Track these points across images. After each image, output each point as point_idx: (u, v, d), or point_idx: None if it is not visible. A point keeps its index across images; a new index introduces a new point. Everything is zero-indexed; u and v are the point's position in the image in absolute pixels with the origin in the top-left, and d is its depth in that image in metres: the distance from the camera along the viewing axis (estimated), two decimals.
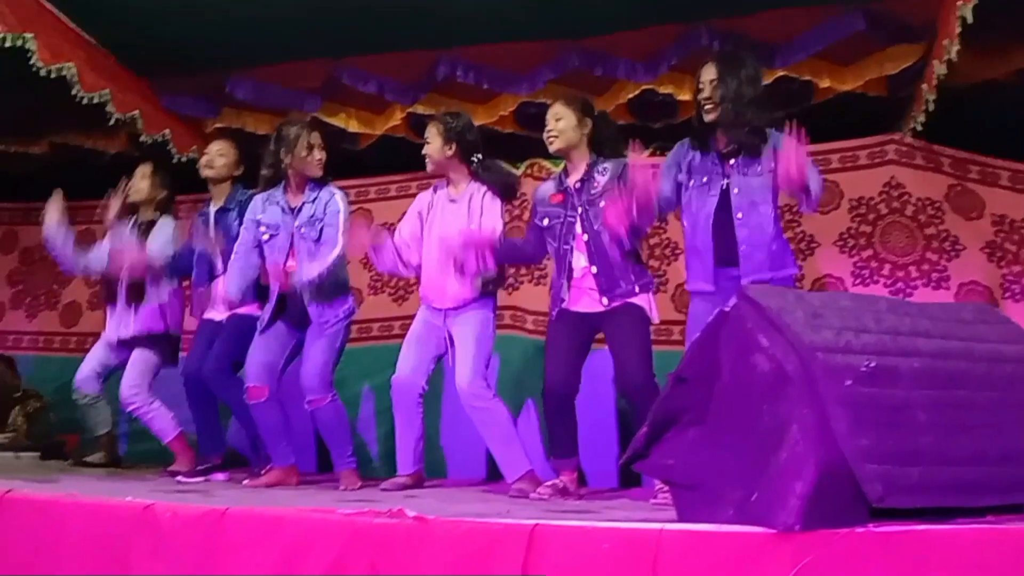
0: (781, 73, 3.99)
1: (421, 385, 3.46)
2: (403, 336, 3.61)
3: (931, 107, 3.59)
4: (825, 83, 4.03)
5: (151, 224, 4.18)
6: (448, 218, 3.47)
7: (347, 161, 4.06)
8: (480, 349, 3.36)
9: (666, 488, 3.05)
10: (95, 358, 4.19)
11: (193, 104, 4.79)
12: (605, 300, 3.15)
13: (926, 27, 3.67)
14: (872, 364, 1.87)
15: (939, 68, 3.35)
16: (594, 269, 3.16)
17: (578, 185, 3.25)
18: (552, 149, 3.29)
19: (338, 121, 4.66)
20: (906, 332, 2.01)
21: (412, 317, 3.64)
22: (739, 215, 2.99)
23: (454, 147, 3.47)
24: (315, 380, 3.48)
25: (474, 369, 3.32)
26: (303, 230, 3.51)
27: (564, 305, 3.23)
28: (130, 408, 4.05)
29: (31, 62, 3.69)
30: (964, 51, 3.22)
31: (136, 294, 4.12)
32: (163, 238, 4.11)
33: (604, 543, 1.85)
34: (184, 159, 4.61)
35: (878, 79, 4.00)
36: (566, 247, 3.22)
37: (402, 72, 4.44)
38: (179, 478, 3.66)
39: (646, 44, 4.12)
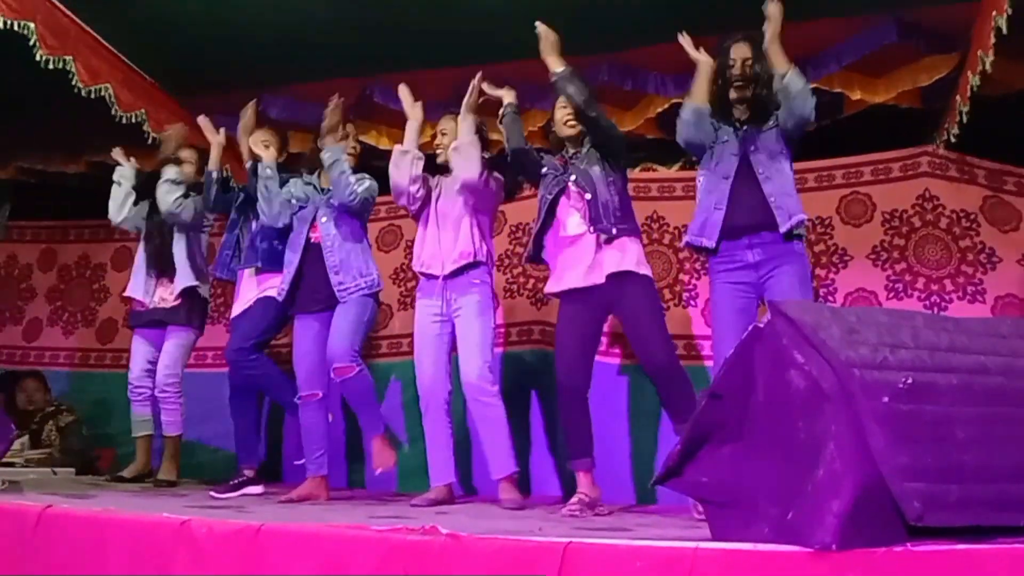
0: (812, 85, 3.96)
1: (446, 389, 3.50)
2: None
3: (965, 118, 3.55)
4: (857, 95, 4.00)
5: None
6: (452, 196, 3.62)
7: (377, 178, 4.09)
8: (484, 339, 3.44)
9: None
10: (141, 353, 4.29)
11: (227, 123, 4.85)
12: (591, 228, 3.21)
13: (959, 37, 3.64)
14: (909, 380, 1.85)
15: (973, 79, 3.31)
16: (588, 196, 3.25)
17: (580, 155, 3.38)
18: (571, 133, 3.42)
19: (369, 138, 4.71)
20: (944, 348, 1.98)
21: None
22: (760, 170, 3.07)
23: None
24: (342, 349, 3.49)
25: (481, 362, 3.40)
26: (332, 200, 3.67)
27: (563, 285, 3.25)
28: (163, 393, 4.15)
29: (72, 83, 3.77)
30: (998, 61, 3.18)
31: (165, 261, 4.24)
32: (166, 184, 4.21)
33: (638, 561, 1.84)
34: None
35: (911, 91, 3.97)
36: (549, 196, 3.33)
37: (431, 89, 4.46)
38: (212, 493, 3.70)
39: (675, 58, 4.08)
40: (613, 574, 1.84)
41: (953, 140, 3.76)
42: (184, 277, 4.21)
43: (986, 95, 3.47)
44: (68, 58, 3.73)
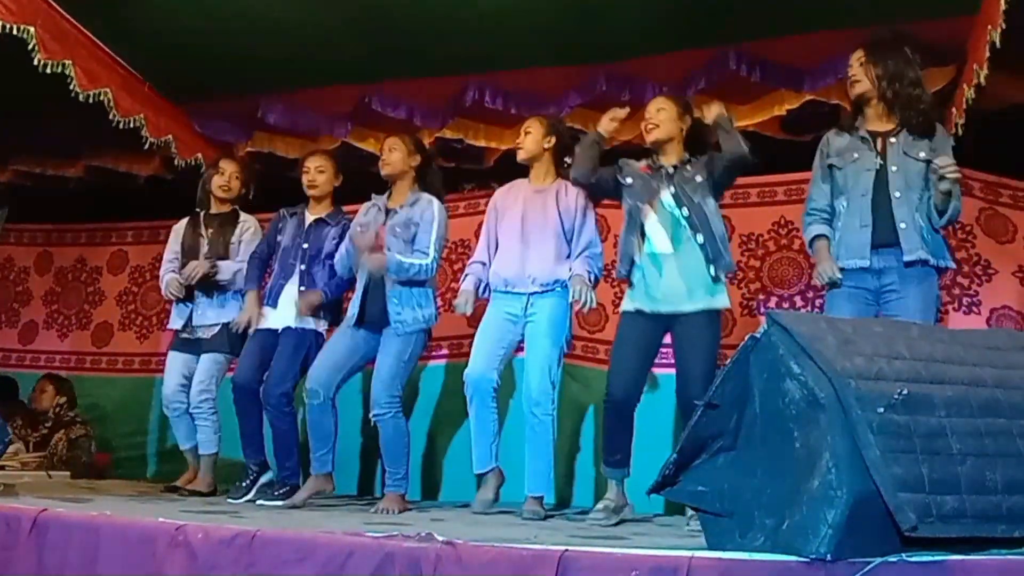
0: (809, 97, 3.99)
1: (494, 380, 3.49)
2: None
3: (960, 131, 3.57)
4: None
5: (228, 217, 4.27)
6: (535, 204, 3.55)
7: (376, 186, 4.09)
8: (552, 353, 3.41)
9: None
10: (175, 369, 4.24)
11: (225, 129, 4.87)
12: (712, 269, 3.13)
13: (956, 51, 3.66)
14: (905, 392, 1.86)
15: (968, 92, 3.34)
16: (699, 238, 3.15)
17: (671, 170, 3.27)
18: (650, 139, 3.32)
19: (368, 146, 4.71)
20: (939, 359, 1.99)
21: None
22: (896, 194, 2.97)
23: (553, 140, 3.61)
24: (382, 392, 3.48)
25: (543, 377, 3.37)
26: (397, 230, 3.58)
27: (638, 305, 3.20)
28: (196, 410, 4.12)
29: (71, 87, 3.78)
30: (994, 74, 3.21)
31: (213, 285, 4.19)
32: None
33: (633, 569, 1.85)
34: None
35: None
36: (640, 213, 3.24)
37: (431, 97, 4.49)
38: (228, 499, 3.71)
39: (674, 68, 4.14)
40: None
41: None
42: (228, 309, 4.19)
43: (981, 108, 3.49)
44: (67, 62, 3.72)
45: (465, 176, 4.89)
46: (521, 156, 3.63)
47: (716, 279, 3.13)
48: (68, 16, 3.87)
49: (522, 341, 3.53)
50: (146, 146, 4.39)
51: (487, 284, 3.61)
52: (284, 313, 3.85)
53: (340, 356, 3.59)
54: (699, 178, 3.22)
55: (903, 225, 2.94)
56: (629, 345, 3.19)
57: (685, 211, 3.18)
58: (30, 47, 3.54)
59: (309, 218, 3.94)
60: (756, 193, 4.41)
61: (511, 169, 3.82)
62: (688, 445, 2.05)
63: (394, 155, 3.66)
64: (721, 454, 2.05)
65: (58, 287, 5.76)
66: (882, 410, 1.82)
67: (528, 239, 3.51)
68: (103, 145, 5.02)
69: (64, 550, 2.40)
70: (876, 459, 1.76)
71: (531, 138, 3.60)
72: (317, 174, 3.92)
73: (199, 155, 4.72)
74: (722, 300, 3.17)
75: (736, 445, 2.03)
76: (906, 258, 2.91)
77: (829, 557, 1.73)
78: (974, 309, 3.94)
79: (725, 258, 3.17)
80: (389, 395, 3.47)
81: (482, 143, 4.64)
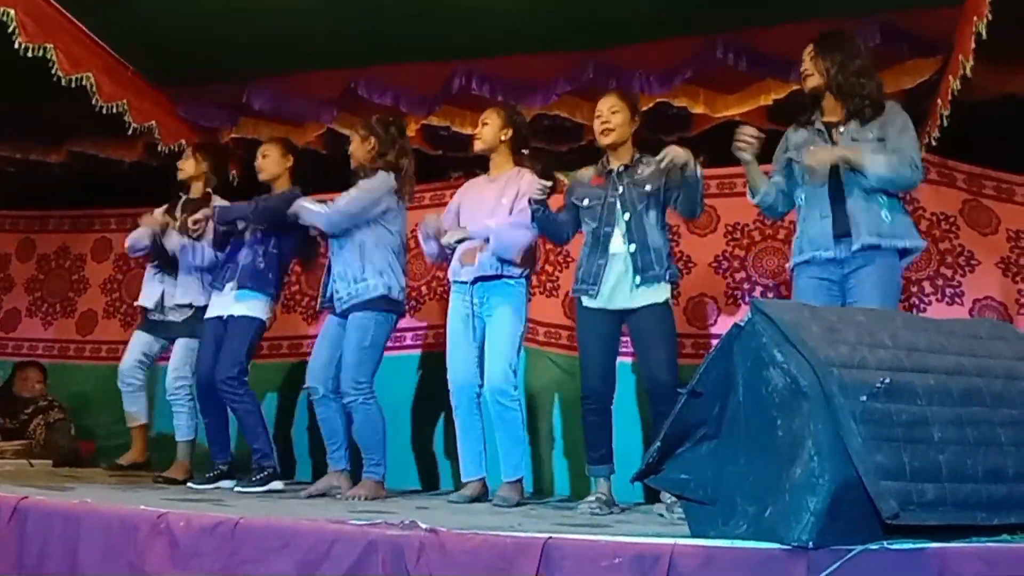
0: (796, 87, 3.97)
1: (476, 384, 3.51)
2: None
3: (945, 122, 3.58)
4: None
5: (199, 202, 4.25)
6: (486, 195, 3.60)
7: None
8: (511, 343, 3.44)
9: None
10: (136, 346, 4.27)
11: (210, 114, 4.83)
12: (638, 279, 3.17)
13: (942, 41, 3.66)
14: (887, 380, 1.87)
15: (954, 83, 3.34)
16: (631, 248, 3.20)
17: (622, 169, 3.31)
18: (607, 142, 3.34)
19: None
20: (922, 348, 2.00)
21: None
22: (847, 182, 2.98)
23: (510, 133, 3.62)
24: (346, 379, 3.51)
25: (504, 366, 3.40)
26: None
27: (589, 303, 3.23)
28: (172, 396, 4.13)
29: (52, 72, 3.73)
30: (979, 66, 3.22)
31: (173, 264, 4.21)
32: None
33: (616, 557, 1.85)
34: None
35: (894, 93, 3.99)
36: (607, 228, 3.26)
37: (417, 84, 4.46)
38: (190, 484, 3.68)
39: (661, 57, 4.13)
40: (592, 569, 1.85)
41: (934, 143, 3.79)
42: (191, 295, 4.18)
43: (966, 99, 3.50)
44: (49, 46, 3.68)
45: (452, 164, 4.87)
46: (478, 147, 3.67)
47: (642, 284, 3.18)
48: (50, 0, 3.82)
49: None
50: (129, 132, 4.34)
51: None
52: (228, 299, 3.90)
53: (328, 348, 3.60)
54: (649, 187, 3.24)
55: (853, 213, 2.94)
56: (593, 340, 3.24)
57: (627, 215, 3.23)
58: (10, 30, 3.49)
59: None
60: (742, 183, 4.39)
61: None
62: (671, 433, 2.06)
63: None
64: (704, 442, 2.06)
65: (41, 274, 5.70)
66: (865, 398, 1.83)
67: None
68: (86, 131, 4.97)
69: (44, 538, 2.39)
70: (858, 447, 1.77)
71: (488, 129, 3.63)
72: (261, 159, 3.97)
73: (183, 141, 4.68)
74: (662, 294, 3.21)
75: (719, 433, 2.04)
76: (854, 246, 2.92)
77: (811, 544, 1.74)
78: (957, 300, 3.96)
79: (656, 270, 3.18)
80: (355, 382, 3.49)
81: (469, 130, 4.59)
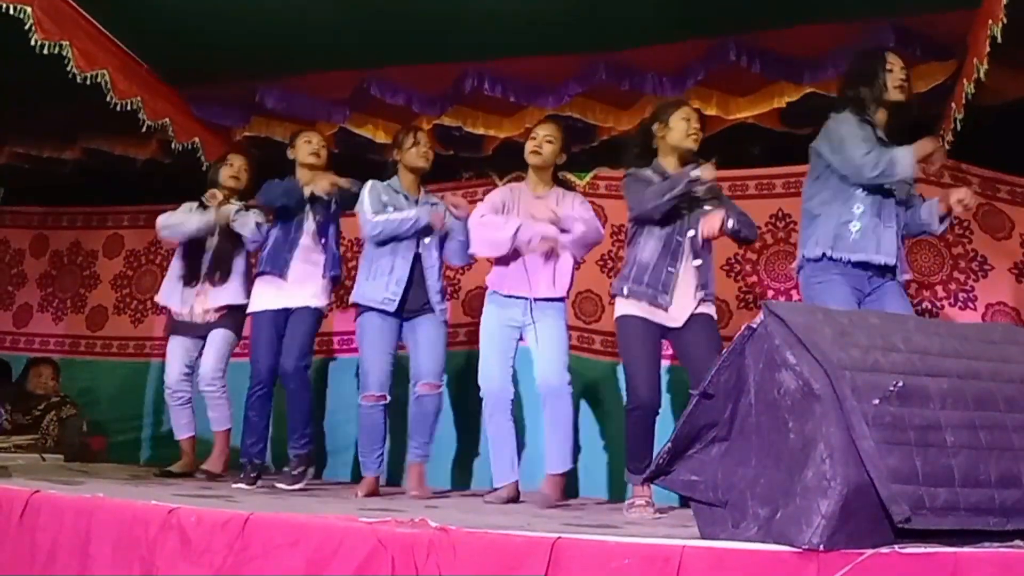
0: (809, 89, 3.98)
1: (510, 391, 3.57)
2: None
3: (959, 126, 3.56)
4: None
5: None
6: (536, 211, 3.61)
7: (375, 171, 4.09)
8: (566, 344, 3.55)
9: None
10: (178, 357, 4.25)
11: (223, 113, 4.84)
12: (701, 293, 3.24)
13: (956, 45, 3.65)
14: (900, 384, 1.86)
15: (968, 87, 3.33)
16: (697, 263, 3.26)
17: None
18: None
19: (366, 132, 4.71)
20: (935, 352, 1.99)
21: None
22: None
23: (564, 158, 3.70)
24: (438, 367, 3.72)
25: (562, 362, 3.49)
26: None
27: (647, 315, 3.23)
28: (208, 390, 4.14)
29: (67, 69, 3.75)
30: (993, 69, 3.20)
31: (223, 268, 4.22)
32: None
33: (626, 558, 1.85)
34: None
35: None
36: (679, 238, 3.26)
37: (429, 84, 4.47)
38: (234, 485, 3.69)
39: (673, 58, 4.12)
40: (601, 570, 1.85)
41: (947, 147, 3.77)
42: (226, 296, 4.21)
43: (981, 103, 3.48)
44: (64, 43, 3.69)
45: (463, 164, 4.88)
46: (535, 161, 3.65)
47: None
48: None
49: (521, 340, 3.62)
50: (143, 129, 4.36)
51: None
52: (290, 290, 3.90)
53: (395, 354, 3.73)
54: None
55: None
56: (646, 349, 3.24)
57: (691, 233, 3.28)
58: (27, 27, 3.51)
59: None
60: (754, 185, 4.41)
61: (509, 158, 3.83)
62: (682, 434, 2.05)
63: (552, 148, 3.65)
64: (715, 444, 2.05)
65: (53, 270, 5.74)
66: (877, 402, 1.82)
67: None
68: (100, 128, 5.00)
69: (56, 532, 2.40)
70: (870, 450, 1.76)
71: (552, 148, 3.64)
72: (317, 154, 4.02)
73: (196, 139, 4.70)
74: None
75: (730, 435, 2.03)
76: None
77: (822, 547, 1.73)
78: (970, 305, 3.95)
79: (710, 286, 3.31)
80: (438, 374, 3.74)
81: (480, 131, 4.62)
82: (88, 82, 3.88)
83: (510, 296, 3.58)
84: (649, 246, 3.26)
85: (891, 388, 1.85)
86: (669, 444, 2.09)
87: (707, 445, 2.07)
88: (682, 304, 3.22)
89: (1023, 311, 3.89)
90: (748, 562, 1.80)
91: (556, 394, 3.46)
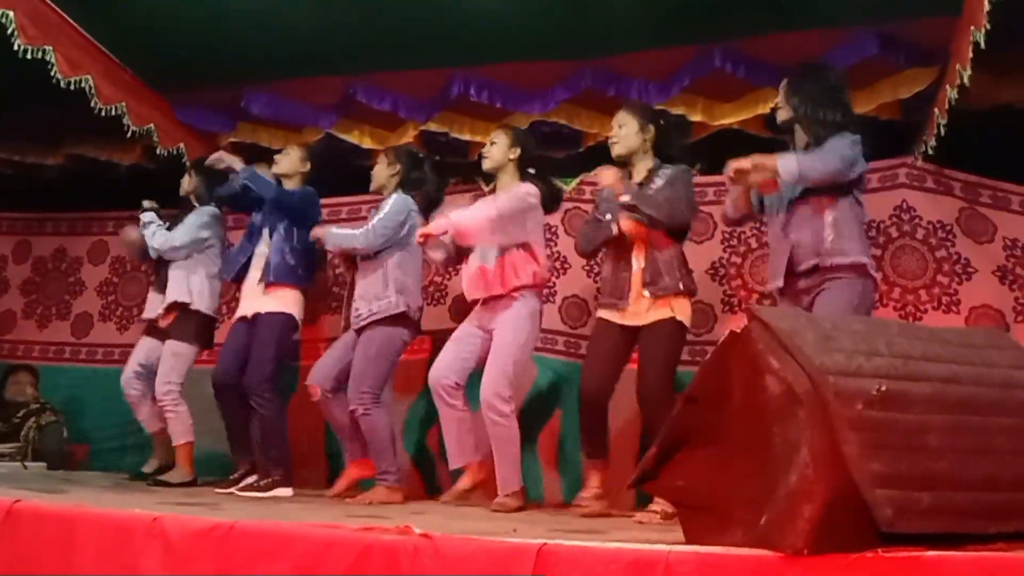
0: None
1: (449, 379, 3.54)
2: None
3: (942, 131, 3.58)
4: None
5: None
6: None
7: (360, 177, 4.08)
8: (508, 358, 3.45)
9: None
10: (134, 356, 4.36)
11: (208, 118, 4.83)
12: (647, 292, 3.30)
13: (939, 51, 3.67)
14: (883, 388, 1.87)
15: (951, 92, 3.35)
16: (640, 263, 3.34)
17: (636, 187, 3.39)
18: (613, 154, 3.48)
19: (352, 138, 4.70)
20: (918, 356, 2.00)
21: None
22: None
23: (518, 151, 3.67)
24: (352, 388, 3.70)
25: (497, 380, 3.41)
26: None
27: (609, 316, 3.37)
28: (160, 403, 4.14)
29: (51, 74, 3.73)
30: (977, 75, 3.22)
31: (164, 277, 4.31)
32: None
33: (612, 564, 1.85)
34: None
35: (891, 102, 4.01)
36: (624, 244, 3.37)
37: (416, 90, 4.47)
38: (216, 490, 3.73)
39: (659, 65, 4.14)
40: None
41: (931, 152, 3.80)
42: (173, 292, 4.23)
43: (964, 108, 3.50)
44: (48, 48, 3.68)
45: (450, 170, 4.87)
46: (487, 165, 3.73)
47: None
48: (49, 2, 3.82)
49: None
50: (127, 134, 4.34)
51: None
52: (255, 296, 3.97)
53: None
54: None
55: None
56: (603, 345, 3.42)
57: None
58: (9, 32, 3.49)
59: None
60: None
61: None
62: (668, 439, 2.05)
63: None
64: (700, 448, 2.05)
65: (37, 277, 5.68)
66: (860, 406, 1.83)
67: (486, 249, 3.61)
68: (84, 133, 4.97)
69: (39, 541, 2.38)
70: (854, 455, 1.77)
71: (497, 148, 3.69)
72: (282, 155, 4.19)
73: (181, 144, 4.67)
74: None
75: (715, 440, 2.04)
76: None
77: (806, 552, 1.74)
78: (953, 308, 3.96)
79: (665, 280, 3.34)
80: (359, 392, 3.64)
81: (467, 137, 4.62)
82: (72, 87, 3.86)
83: (473, 300, 3.68)
84: (608, 260, 3.49)
85: (874, 392, 1.85)
86: (655, 448, 2.09)
87: (692, 450, 2.08)
88: (639, 302, 3.32)
89: (1007, 314, 3.90)
90: (733, 567, 1.80)
91: (486, 407, 3.40)
